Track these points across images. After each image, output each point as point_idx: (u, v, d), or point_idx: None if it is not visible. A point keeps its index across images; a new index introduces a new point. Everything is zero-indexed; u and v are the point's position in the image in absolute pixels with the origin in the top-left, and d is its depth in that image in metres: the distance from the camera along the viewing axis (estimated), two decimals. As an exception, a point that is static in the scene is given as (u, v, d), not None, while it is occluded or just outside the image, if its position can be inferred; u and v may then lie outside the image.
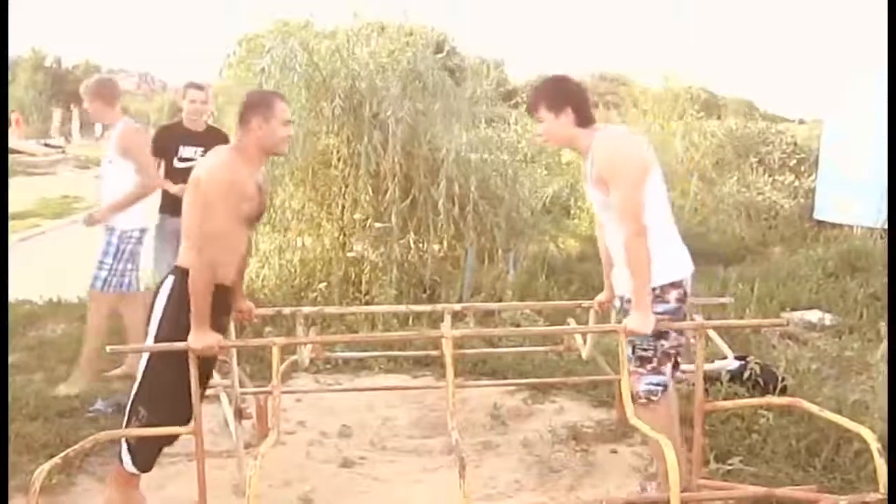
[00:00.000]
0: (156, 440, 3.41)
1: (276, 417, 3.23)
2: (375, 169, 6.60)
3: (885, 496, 2.86)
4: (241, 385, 4.12)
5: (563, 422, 4.67)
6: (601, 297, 4.10)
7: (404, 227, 6.87)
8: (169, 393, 3.34)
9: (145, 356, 3.44)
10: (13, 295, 6.02)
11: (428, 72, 7.00)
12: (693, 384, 3.64)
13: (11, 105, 36.61)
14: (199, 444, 3.21)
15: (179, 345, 3.22)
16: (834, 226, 10.98)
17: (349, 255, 7.25)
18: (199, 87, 5.97)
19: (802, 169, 13.23)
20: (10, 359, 5.75)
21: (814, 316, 6.77)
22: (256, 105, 3.44)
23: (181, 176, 5.79)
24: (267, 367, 4.08)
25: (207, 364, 3.48)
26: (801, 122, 21.90)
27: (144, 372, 3.42)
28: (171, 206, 5.86)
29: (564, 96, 3.47)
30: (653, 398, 3.47)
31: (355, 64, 6.90)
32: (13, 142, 28.87)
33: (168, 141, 5.95)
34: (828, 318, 6.74)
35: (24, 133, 32.12)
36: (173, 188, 5.79)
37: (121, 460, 3.49)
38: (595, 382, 4.94)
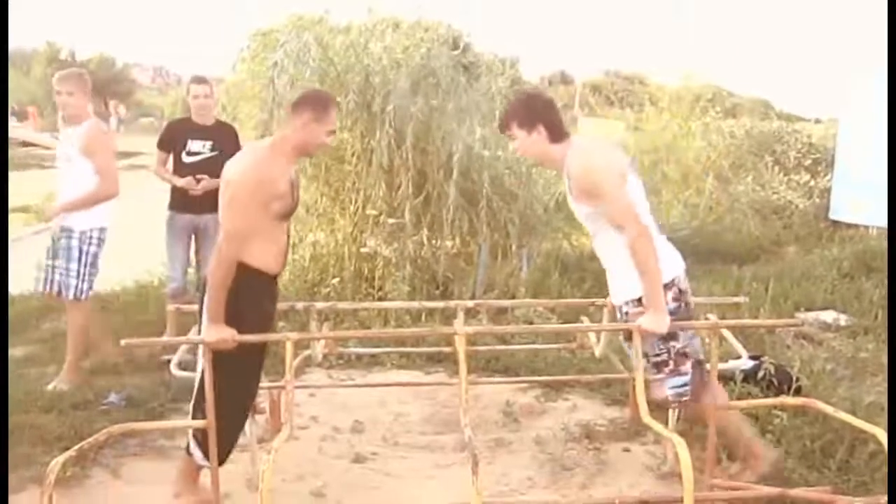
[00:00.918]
0: (225, 433, 3.39)
1: (289, 412, 3.24)
2: (389, 164, 6.59)
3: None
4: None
5: (575, 420, 4.66)
6: None
7: (418, 223, 6.86)
8: (228, 385, 3.33)
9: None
10: (27, 288, 6.04)
11: (441, 69, 6.98)
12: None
13: (27, 99, 36.84)
14: (212, 438, 3.21)
15: (194, 339, 3.23)
16: (849, 226, 10.91)
17: (362, 250, 7.25)
18: (202, 82, 5.96)
19: (818, 169, 13.15)
20: (24, 351, 5.80)
21: (829, 316, 6.73)
22: (313, 103, 3.42)
23: (190, 170, 5.82)
24: (279, 361, 4.09)
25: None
26: (818, 121, 21.72)
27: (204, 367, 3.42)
28: (180, 201, 5.89)
29: (536, 114, 3.51)
30: (683, 399, 3.47)
31: (369, 59, 6.89)
32: (29, 135, 29.05)
33: (176, 135, 5.96)
34: (843, 319, 6.70)
35: (40, 126, 32.26)
36: (180, 182, 5.81)
37: (189, 453, 3.51)
38: (608, 381, 4.93)
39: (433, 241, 7.15)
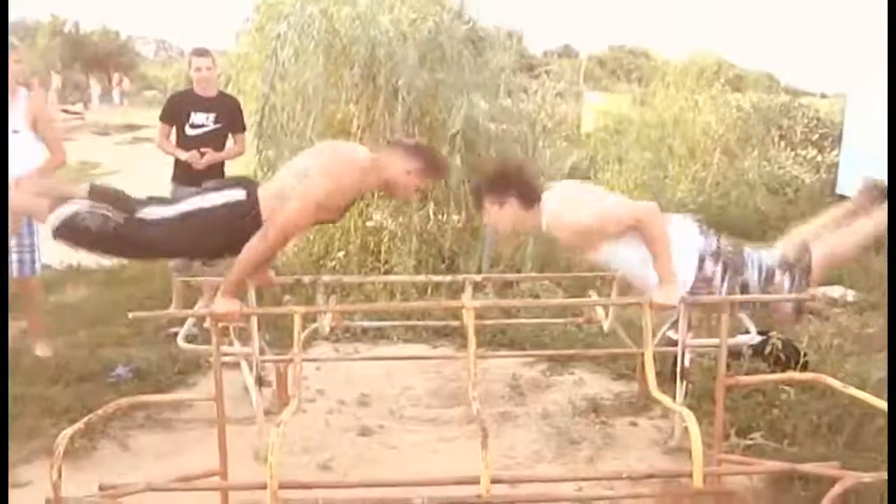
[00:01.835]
0: None
1: (296, 385, 3.23)
2: (394, 138, 6.55)
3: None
4: (262, 353, 4.13)
5: (582, 394, 4.66)
6: None
7: (424, 197, 6.83)
8: None
9: None
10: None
11: (448, 42, 6.92)
12: (715, 358, 3.61)
13: (30, 71, 36.64)
14: (221, 410, 3.21)
15: (201, 311, 3.22)
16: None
17: (368, 224, 7.23)
18: (202, 54, 5.92)
19: (825, 143, 13.08)
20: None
21: (836, 292, 6.70)
22: (430, 162, 3.46)
23: (193, 143, 5.79)
24: (286, 335, 4.08)
25: None
26: (823, 95, 21.61)
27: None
28: (184, 174, 5.86)
29: (506, 187, 3.51)
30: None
31: (375, 31, 6.83)
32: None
33: (179, 108, 5.92)
34: (850, 294, 6.68)
35: (43, 98, 32.11)
36: (183, 155, 5.78)
37: None
38: (614, 355, 4.92)
39: (439, 215, 7.12)
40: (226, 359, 3.69)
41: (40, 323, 5.23)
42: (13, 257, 4.89)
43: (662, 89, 12.75)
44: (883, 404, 2.95)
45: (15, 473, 3.61)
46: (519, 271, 6.85)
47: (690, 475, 2.67)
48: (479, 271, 6.63)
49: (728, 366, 3.51)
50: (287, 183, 3.38)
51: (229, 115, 5.95)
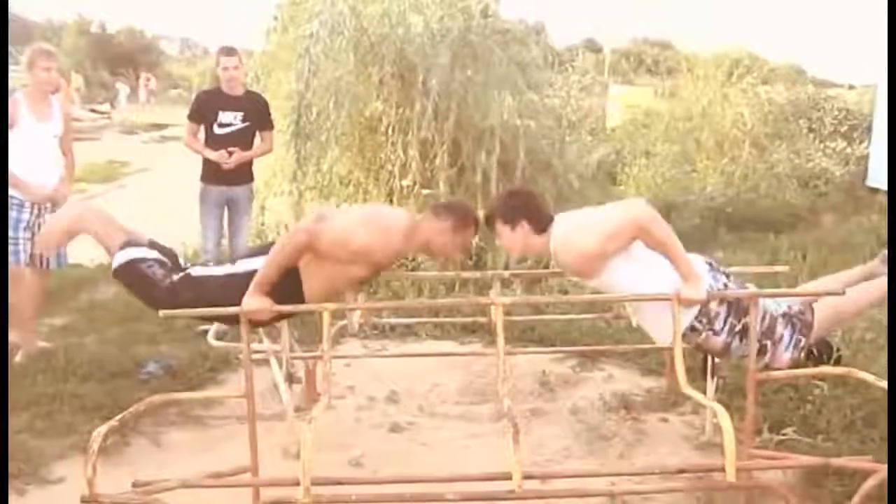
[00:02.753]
0: None
1: (326, 382, 3.24)
2: (423, 136, 6.56)
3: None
4: (291, 349, 4.15)
5: (611, 390, 4.64)
6: None
7: (452, 194, 6.83)
8: None
9: None
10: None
11: (479, 39, 6.91)
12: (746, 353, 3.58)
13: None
14: (251, 407, 3.22)
15: (231, 309, 3.23)
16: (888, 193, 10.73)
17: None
18: (230, 53, 5.92)
19: (854, 135, 12.95)
20: (63, 321, 5.86)
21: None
22: (458, 217, 3.49)
23: (221, 142, 5.82)
24: (315, 332, 4.10)
25: None
26: (851, 87, 21.38)
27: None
28: (212, 174, 5.89)
29: (517, 211, 3.51)
30: (803, 349, 3.49)
31: (404, 29, 6.83)
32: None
33: (207, 107, 5.94)
34: (882, 288, 6.58)
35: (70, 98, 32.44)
36: (212, 155, 5.81)
37: None
38: (643, 350, 4.89)
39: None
40: (255, 356, 3.71)
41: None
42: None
43: (691, 82, 12.67)
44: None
45: (49, 470, 3.65)
46: (547, 267, 6.80)
47: (723, 470, 2.65)
48: (506, 267, 6.61)
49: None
50: None
51: (257, 114, 5.97)
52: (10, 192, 4.84)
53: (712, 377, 3.90)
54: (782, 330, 3.44)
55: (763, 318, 3.36)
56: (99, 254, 7.29)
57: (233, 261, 3.60)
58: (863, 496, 2.53)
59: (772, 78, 13.65)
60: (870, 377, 3.16)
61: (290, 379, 4.06)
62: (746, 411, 3.33)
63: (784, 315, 3.46)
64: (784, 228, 9.18)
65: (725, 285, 3.45)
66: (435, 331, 5.66)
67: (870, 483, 2.54)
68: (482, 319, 4.87)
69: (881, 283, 3.61)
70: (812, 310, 3.52)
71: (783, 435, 3.82)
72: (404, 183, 6.89)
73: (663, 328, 3.36)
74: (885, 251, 3.77)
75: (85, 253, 7.35)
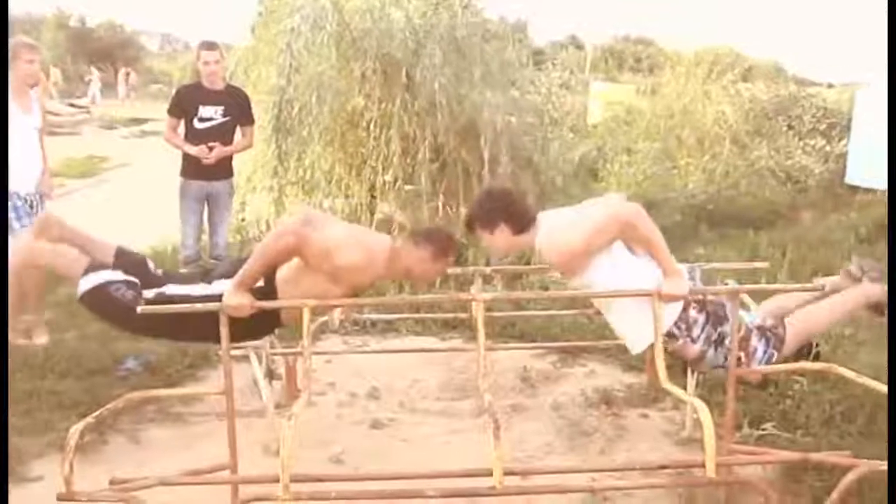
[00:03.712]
0: None
1: (307, 378, 3.22)
2: (406, 131, 6.55)
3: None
4: (271, 346, 4.12)
5: (592, 385, 4.65)
6: None
7: (433, 190, 6.82)
8: None
9: None
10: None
11: (462, 35, 6.90)
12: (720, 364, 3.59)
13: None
14: (230, 404, 3.20)
15: (211, 305, 3.20)
16: (867, 191, 10.81)
17: (377, 216, 7.22)
18: (211, 47, 5.89)
19: (833, 133, 13.03)
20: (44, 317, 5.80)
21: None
22: (439, 245, 3.46)
23: (201, 137, 5.78)
24: (296, 328, 4.07)
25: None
26: (830, 85, 21.55)
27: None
28: (192, 168, 5.86)
29: (495, 214, 3.49)
30: (774, 360, 3.46)
31: (386, 24, 6.81)
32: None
33: (187, 101, 5.90)
34: (861, 284, 6.62)
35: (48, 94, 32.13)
36: (192, 150, 5.77)
37: None
38: (624, 346, 4.89)
39: (449, 208, 7.11)
40: (235, 352, 3.68)
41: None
42: None
43: (672, 80, 12.71)
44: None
45: (27, 468, 3.62)
46: (528, 263, 6.82)
47: (703, 465, 2.65)
48: (488, 263, 6.61)
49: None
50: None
51: (238, 108, 5.94)
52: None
53: (692, 373, 3.91)
54: (756, 343, 3.44)
55: (739, 328, 3.37)
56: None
57: (209, 280, 3.54)
58: (842, 491, 2.54)
59: (752, 76, 13.72)
60: (849, 373, 3.18)
61: (271, 375, 4.04)
62: (726, 407, 3.35)
63: (759, 328, 3.47)
64: (764, 225, 9.22)
65: (703, 298, 3.46)
66: (416, 327, 5.66)
67: (849, 478, 2.55)
68: (463, 315, 4.86)
69: (849, 297, 3.64)
70: (784, 325, 3.53)
71: (763, 430, 3.84)
72: (386, 178, 6.87)
73: (639, 333, 3.36)
74: (852, 266, 3.78)
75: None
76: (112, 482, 2.74)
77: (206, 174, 5.85)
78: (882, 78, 10.66)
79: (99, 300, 3.42)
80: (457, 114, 6.63)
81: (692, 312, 3.37)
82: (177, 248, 6.66)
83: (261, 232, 7.01)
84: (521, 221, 3.50)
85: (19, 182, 4.99)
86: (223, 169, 5.97)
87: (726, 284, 3.57)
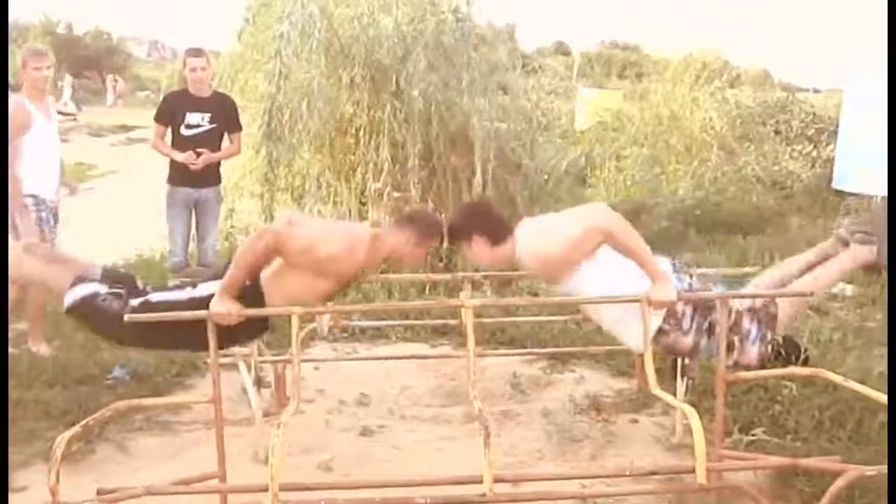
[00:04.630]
0: None
1: (296, 386, 3.20)
2: (395, 138, 6.54)
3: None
4: (260, 353, 4.10)
5: (583, 391, 4.64)
6: None
7: (423, 196, 6.80)
8: None
9: None
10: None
11: (450, 41, 6.90)
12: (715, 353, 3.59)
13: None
14: (218, 412, 3.18)
15: (199, 313, 3.19)
16: (853, 196, 10.84)
17: (365, 222, 7.21)
18: (197, 54, 5.89)
19: (820, 138, 13.09)
20: (28, 325, 5.76)
21: (835, 287, 6.68)
22: (424, 227, 3.52)
23: (188, 144, 5.77)
24: (284, 335, 4.05)
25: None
26: (816, 90, 21.67)
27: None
28: (179, 175, 5.84)
29: (469, 226, 3.55)
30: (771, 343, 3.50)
31: (375, 31, 6.81)
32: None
33: (174, 108, 5.89)
34: (849, 289, 6.66)
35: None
36: (180, 156, 5.76)
37: None
38: (613, 352, 4.90)
39: (438, 214, 7.10)
40: (224, 360, 3.66)
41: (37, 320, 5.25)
42: None
43: (660, 85, 12.75)
44: (884, 398, 2.94)
45: (13, 478, 3.57)
46: (517, 269, 6.81)
47: (693, 471, 2.65)
48: (477, 269, 6.60)
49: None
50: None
51: (225, 115, 5.93)
52: (33, 192, 4.97)
53: (682, 378, 3.91)
54: (748, 325, 3.46)
55: (728, 314, 3.37)
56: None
57: (194, 284, 3.54)
58: (832, 496, 2.54)
59: (739, 82, 13.76)
60: (838, 378, 3.18)
61: (259, 383, 4.02)
62: (716, 412, 3.35)
63: (749, 310, 3.49)
64: (752, 230, 9.24)
65: (690, 285, 3.47)
66: (405, 333, 5.64)
67: (838, 484, 2.55)
68: (453, 322, 4.86)
69: (839, 264, 3.67)
70: (775, 302, 3.54)
71: (753, 436, 3.83)
72: (376, 186, 6.86)
73: (634, 333, 3.36)
74: (841, 230, 3.80)
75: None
76: (99, 492, 2.72)
77: (193, 181, 5.83)
78: (867, 83, 10.73)
79: (86, 311, 3.43)
80: (446, 120, 6.63)
81: (679, 305, 3.38)
82: (165, 256, 6.63)
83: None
84: (496, 233, 3.53)
85: (45, 187, 5.07)
86: (211, 176, 5.95)
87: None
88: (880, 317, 5.89)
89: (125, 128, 24.46)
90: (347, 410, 4.50)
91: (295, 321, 3.14)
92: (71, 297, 3.41)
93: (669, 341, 3.45)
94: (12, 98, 4.95)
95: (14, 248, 4.19)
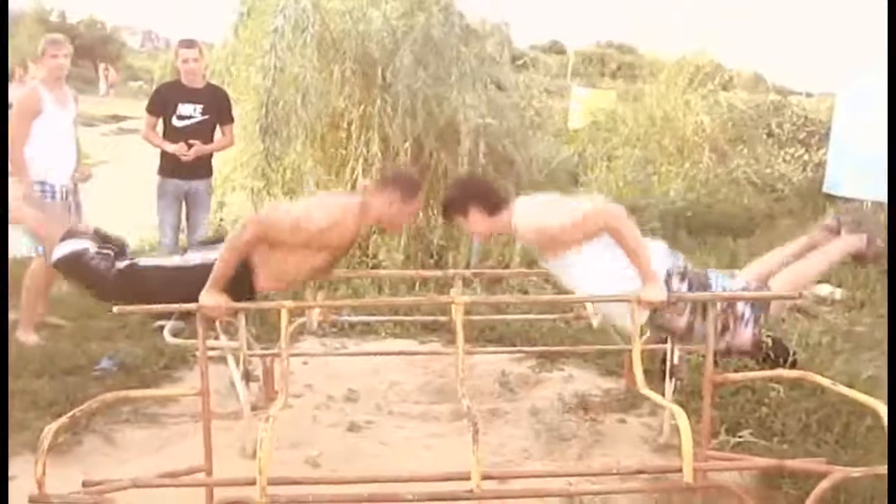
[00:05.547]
0: None
1: (284, 380, 3.20)
2: (386, 132, 6.53)
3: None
4: (248, 347, 4.09)
5: (571, 390, 4.64)
6: None
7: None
8: None
9: None
10: (19, 251, 5.94)
11: (441, 36, 6.88)
12: (703, 356, 3.60)
13: (16, 59, 36.32)
14: (206, 405, 3.18)
15: (188, 305, 3.18)
16: (845, 200, 10.87)
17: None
18: (190, 45, 5.86)
19: (812, 142, 13.13)
20: (15, 316, 5.71)
21: (824, 290, 6.71)
22: (404, 186, 3.51)
23: (180, 135, 5.74)
24: (273, 329, 4.05)
25: None
26: (809, 94, 21.72)
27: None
28: (170, 167, 5.82)
29: (464, 199, 3.61)
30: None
31: (365, 25, 6.79)
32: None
33: (166, 99, 5.86)
34: (838, 293, 6.69)
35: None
36: (171, 147, 5.73)
37: None
38: (602, 351, 4.91)
39: (429, 210, 7.10)
40: (212, 353, 3.65)
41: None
42: None
43: (654, 87, 12.76)
44: (873, 402, 2.94)
45: (-2, 467, 3.56)
46: (507, 267, 6.83)
47: (680, 471, 2.66)
48: (467, 266, 6.61)
49: (716, 363, 3.51)
50: None
51: (217, 107, 5.90)
52: (42, 179, 5.13)
53: (670, 379, 3.91)
54: (742, 307, 3.48)
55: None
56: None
57: (183, 251, 3.56)
58: (817, 498, 2.55)
59: (732, 85, 13.77)
60: (825, 381, 3.19)
61: (248, 377, 4.00)
62: (703, 413, 3.36)
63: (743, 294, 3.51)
64: (743, 233, 9.26)
65: (685, 267, 3.49)
66: (395, 329, 5.64)
67: (823, 485, 2.56)
68: (442, 318, 4.86)
69: (831, 250, 3.69)
70: (768, 287, 3.57)
71: (740, 437, 3.84)
72: (366, 181, 6.84)
73: (625, 310, 3.38)
74: (829, 220, 3.82)
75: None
76: (85, 484, 2.71)
77: (184, 173, 5.81)
78: (860, 86, 10.76)
79: (72, 266, 3.49)
80: (435, 115, 6.62)
81: (674, 284, 3.40)
82: (154, 247, 6.60)
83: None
84: (492, 202, 3.58)
85: (56, 174, 5.23)
86: (202, 168, 5.93)
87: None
88: (869, 321, 5.91)
89: (117, 118, 24.35)
90: (335, 406, 4.49)
91: (284, 315, 3.14)
92: (59, 251, 3.44)
93: (665, 321, 3.47)
94: (28, 84, 5.03)
95: (14, 189, 4.29)
